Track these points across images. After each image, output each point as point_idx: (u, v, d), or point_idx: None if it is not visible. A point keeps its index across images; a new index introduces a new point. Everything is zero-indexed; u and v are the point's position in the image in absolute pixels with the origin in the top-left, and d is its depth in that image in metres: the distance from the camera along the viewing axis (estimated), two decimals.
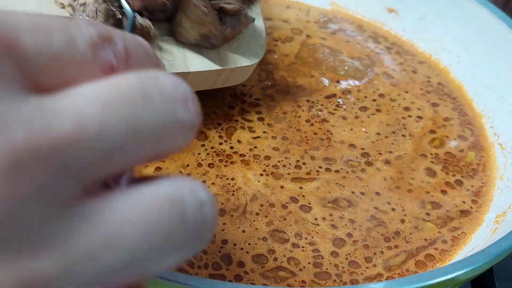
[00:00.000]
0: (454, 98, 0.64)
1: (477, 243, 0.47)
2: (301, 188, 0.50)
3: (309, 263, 0.44)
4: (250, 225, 0.46)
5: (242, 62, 0.56)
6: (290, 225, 0.46)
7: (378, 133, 0.57)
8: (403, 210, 0.49)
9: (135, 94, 0.18)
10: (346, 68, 0.66)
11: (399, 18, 0.74)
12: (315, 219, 0.47)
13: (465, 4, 0.66)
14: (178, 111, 0.19)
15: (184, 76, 0.51)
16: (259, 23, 0.60)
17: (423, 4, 0.71)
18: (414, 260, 0.46)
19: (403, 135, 0.58)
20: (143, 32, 0.48)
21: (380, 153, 0.55)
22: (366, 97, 0.62)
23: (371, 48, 0.70)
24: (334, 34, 0.72)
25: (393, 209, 0.49)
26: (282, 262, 0.44)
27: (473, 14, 0.65)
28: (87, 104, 0.17)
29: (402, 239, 0.47)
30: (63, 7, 0.49)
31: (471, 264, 0.37)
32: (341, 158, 0.54)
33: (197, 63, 0.53)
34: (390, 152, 0.55)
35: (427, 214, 0.50)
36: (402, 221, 0.48)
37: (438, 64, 0.69)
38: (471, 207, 0.51)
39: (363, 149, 0.55)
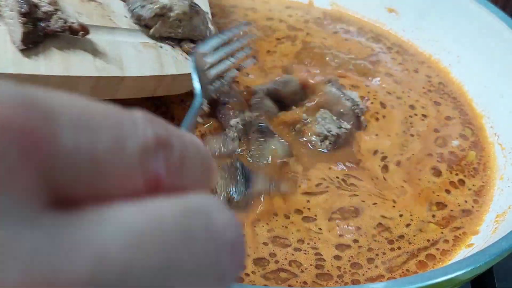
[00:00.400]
0: (454, 98, 0.64)
1: (477, 243, 0.47)
2: (308, 201, 0.49)
3: (311, 265, 0.44)
4: (251, 230, 0.46)
5: (185, 68, 0.49)
6: (292, 232, 0.46)
7: (392, 134, 0.58)
8: (411, 215, 0.49)
9: (177, 231, 0.14)
10: (350, 67, 0.66)
11: (399, 18, 0.74)
12: (319, 228, 0.47)
13: (465, 4, 0.66)
14: (222, 260, 0.15)
15: (119, 81, 0.45)
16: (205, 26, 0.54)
17: (423, 4, 0.71)
18: (416, 260, 0.46)
19: (411, 135, 0.58)
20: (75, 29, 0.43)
21: (394, 154, 0.55)
22: (375, 98, 0.62)
23: (371, 47, 0.70)
24: (334, 34, 0.72)
25: (401, 215, 0.49)
26: (283, 264, 0.44)
27: (473, 14, 0.66)
28: (116, 236, 0.13)
29: (406, 241, 0.47)
30: None
31: (471, 264, 0.37)
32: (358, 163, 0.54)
33: (134, 67, 0.46)
34: (401, 154, 0.55)
35: (433, 216, 0.50)
36: (408, 225, 0.48)
37: (438, 64, 0.69)
38: (472, 206, 0.51)
39: (383, 153, 0.55)
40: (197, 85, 0.45)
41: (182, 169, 0.16)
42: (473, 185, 0.54)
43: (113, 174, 0.14)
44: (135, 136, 0.15)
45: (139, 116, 0.15)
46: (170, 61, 0.49)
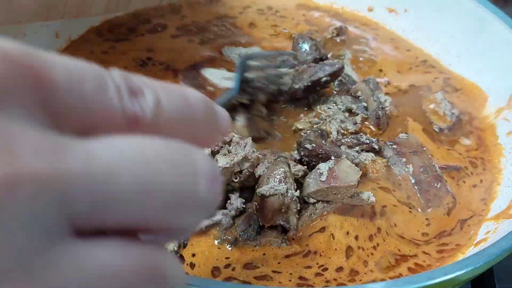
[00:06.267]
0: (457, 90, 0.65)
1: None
2: None
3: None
4: None
5: None
6: None
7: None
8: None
9: (158, 155, 0.17)
10: (355, 65, 0.66)
11: (399, 18, 0.74)
12: None
13: (465, 4, 0.66)
14: (200, 187, 0.18)
15: None
16: None
17: (423, 4, 0.71)
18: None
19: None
20: None
21: None
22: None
23: (373, 46, 0.71)
24: (334, 33, 0.72)
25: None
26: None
27: (473, 14, 0.65)
28: (103, 150, 0.16)
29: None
30: None
31: (471, 264, 0.37)
32: None
33: None
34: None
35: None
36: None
37: (438, 63, 0.69)
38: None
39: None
40: (236, 84, 0.50)
41: (160, 112, 0.19)
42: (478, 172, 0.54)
43: (98, 110, 0.18)
44: (113, 83, 0.18)
45: (115, 72, 0.19)
46: None
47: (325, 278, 0.43)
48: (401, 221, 0.48)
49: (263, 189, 0.43)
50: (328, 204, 0.46)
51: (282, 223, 0.44)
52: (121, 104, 0.18)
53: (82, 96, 0.17)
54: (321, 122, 0.56)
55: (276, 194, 0.43)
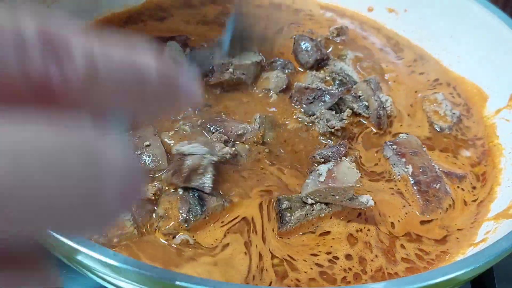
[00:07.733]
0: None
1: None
2: None
3: None
4: None
5: None
6: None
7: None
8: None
9: (47, 163, 0.12)
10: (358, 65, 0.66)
11: (399, 18, 0.74)
12: None
13: (465, 4, 0.66)
14: (105, 195, 0.13)
15: None
16: None
17: (423, 4, 0.71)
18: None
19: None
20: None
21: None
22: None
23: (375, 46, 0.71)
24: (335, 33, 0.72)
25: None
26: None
27: (473, 14, 0.65)
28: None
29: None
30: None
31: (471, 264, 0.37)
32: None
33: None
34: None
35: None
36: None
37: (438, 63, 0.69)
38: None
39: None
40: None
41: (93, 81, 0.12)
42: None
43: None
44: (13, 34, 0.10)
45: (27, 8, 0.11)
46: None
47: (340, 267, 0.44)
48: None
49: (185, 148, 0.44)
50: (327, 206, 0.46)
51: (197, 184, 0.44)
52: (21, 62, 0.11)
53: None
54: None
55: (195, 154, 0.44)
